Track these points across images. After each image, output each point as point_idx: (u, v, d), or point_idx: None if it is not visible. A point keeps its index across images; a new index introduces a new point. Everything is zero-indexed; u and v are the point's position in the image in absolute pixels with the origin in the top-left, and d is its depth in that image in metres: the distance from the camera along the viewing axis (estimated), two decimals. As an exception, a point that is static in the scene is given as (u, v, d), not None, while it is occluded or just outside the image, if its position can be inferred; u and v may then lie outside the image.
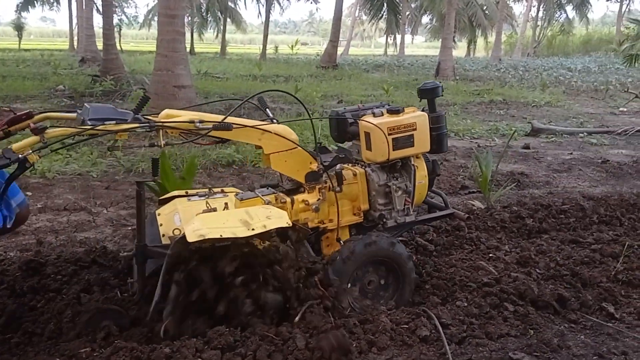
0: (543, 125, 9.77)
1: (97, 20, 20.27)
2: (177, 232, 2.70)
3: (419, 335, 2.62)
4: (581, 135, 9.24)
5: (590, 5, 43.90)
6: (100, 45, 17.51)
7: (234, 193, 3.04)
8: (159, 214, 2.98)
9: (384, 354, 2.49)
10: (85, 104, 2.46)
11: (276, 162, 2.87)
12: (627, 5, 45.24)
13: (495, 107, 12.76)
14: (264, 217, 2.47)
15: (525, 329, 2.81)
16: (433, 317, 2.74)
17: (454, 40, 28.61)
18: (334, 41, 25.11)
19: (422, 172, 3.16)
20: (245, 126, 2.72)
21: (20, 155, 2.19)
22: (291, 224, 2.53)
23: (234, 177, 5.97)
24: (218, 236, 2.31)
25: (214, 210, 2.81)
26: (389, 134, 2.92)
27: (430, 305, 2.88)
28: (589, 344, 2.71)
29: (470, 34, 41.70)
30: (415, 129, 3.00)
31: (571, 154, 7.81)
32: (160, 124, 2.50)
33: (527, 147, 8.08)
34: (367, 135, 2.97)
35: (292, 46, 34.73)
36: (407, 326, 2.67)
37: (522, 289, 3.07)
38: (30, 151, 2.22)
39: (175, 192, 3.19)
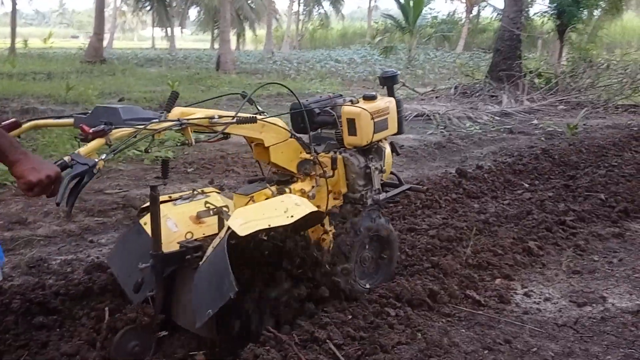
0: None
1: None
2: (189, 235, 2.71)
3: (319, 367, 2.32)
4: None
5: (343, 2, 47.83)
6: None
7: (216, 192, 3.09)
8: (145, 223, 2.79)
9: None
10: (97, 105, 2.36)
11: (275, 155, 2.90)
12: (375, 2, 50.28)
13: (284, 99, 12.91)
14: (293, 204, 2.53)
15: (413, 333, 2.68)
16: (326, 342, 2.46)
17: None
18: (98, 34, 23.04)
19: (389, 152, 3.39)
20: (267, 121, 2.79)
21: (96, 160, 2.01)
22: (315, 209, 2.62)
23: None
24: (267, 226, 2.37)
25: (219, 210, 2.83)
26: (371, 118, 3.08)
27: (318, 326, 2.58)
28: (473, 338, 2.70)
29: (239, 27, 42.20)
30: (388, 113, 3.23)
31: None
32: (186, 121, 2.40)
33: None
34: (351, 121, 3.08)
35: (45, 40, 31.08)
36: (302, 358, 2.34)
37: (398, 290, 2.96)
38: (104, 156, 2.07)
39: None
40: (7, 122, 2.27)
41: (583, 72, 13.58)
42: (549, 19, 17.37)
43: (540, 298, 3.19)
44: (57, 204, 1.88)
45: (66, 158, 1.99)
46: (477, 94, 13.01)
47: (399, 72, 3.53)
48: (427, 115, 10.10)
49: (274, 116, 2.92)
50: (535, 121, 9.97)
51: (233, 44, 46.38)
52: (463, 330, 2.78)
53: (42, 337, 2.62)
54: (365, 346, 2.53)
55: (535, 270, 3.55)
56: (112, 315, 2.62)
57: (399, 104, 3.38)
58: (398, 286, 2.98)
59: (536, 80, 13.94)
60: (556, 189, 5.42)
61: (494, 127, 9.44)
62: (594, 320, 2.93)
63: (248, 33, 46.41)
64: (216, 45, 30.06)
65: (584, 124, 9.44)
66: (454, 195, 5.18)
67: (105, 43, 34.40)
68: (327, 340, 2.47)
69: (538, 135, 8.67)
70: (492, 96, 12.67)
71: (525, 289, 3.28)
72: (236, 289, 2.10)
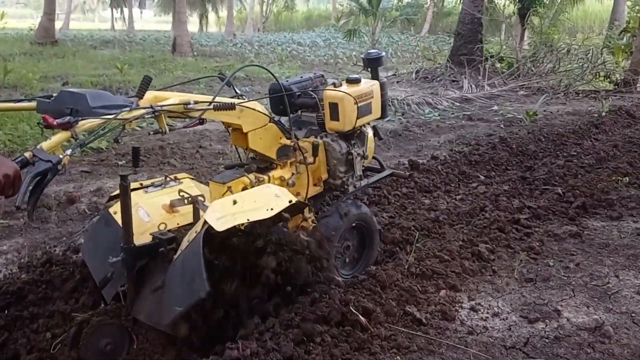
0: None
1: None
2: (162, 226, 2.57)
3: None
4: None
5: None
6: None
7: (189, 178, 2.99)
8: (115, 213, 2.65)
9: None
10: (62, 90, 2.17)
11: (253, 140, 2.76)
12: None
13: (240, 83, 12.36)
14: (272, 196, 2.40)
15: (340, 364, 2.32)
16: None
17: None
18: (49, 14, 21.76)
19: (371, 137, 3.26)
20: (246, 106, 2.64)
21: (60, 156, 1.85)
22: (295, 200, 2.47)
23: None
24: (245, 221, 2.25)
25: (194, 199, 2.66)
26: (355, 103, 2.93)
27: (240, 347, 2.18)
28: (409, 368, 2.34)
29: (201, 9, 41.08)
30: (372, 97, 3.08)
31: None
32: (160, 108, 2.23)
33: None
34: (334, 105, 2.94)
35: (-3, 19, 29.57)
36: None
37: (326, 311, 2.57)
38: (69, 151, 1.91)
39: None
40: None
41: (544, 57, 13.37)
42: (510, 2, 17.12)
43: (488, 313, 2.85)
44: (17, 207, 1.74)
45: (27, 154, 1.83)
46: (439, 79, 12.67)
47: (384, 54, 3.33)
48: (386, 101, 9.73)
49: (253, 100, 2.77)
50: (495, 107, 9.70)
51: (196, 26, 45.29)
52: (398, 358, 2.42)
53: None
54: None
55: (485, 278, 3.22)
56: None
57: (383, 87, 3.22)
58: (327, 306, 2.59)
59: (497, 65, 13.69)
60: (512, 181, 5.12)
61: (453, 113, 9.14)
62: (547, 340, 2.61)
63: (211, 15, 45.20)
64: (176, 27, 28.96)
65: (544, 110, 9.21)
66: (404, 189, 4.82)
67: (61, 24, 33.02)
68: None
69: (497, 122, 8.39)
70: (454, 81, 12.36)
71: (472, 302, 2.94)
72: (208, 288, 1.99)
